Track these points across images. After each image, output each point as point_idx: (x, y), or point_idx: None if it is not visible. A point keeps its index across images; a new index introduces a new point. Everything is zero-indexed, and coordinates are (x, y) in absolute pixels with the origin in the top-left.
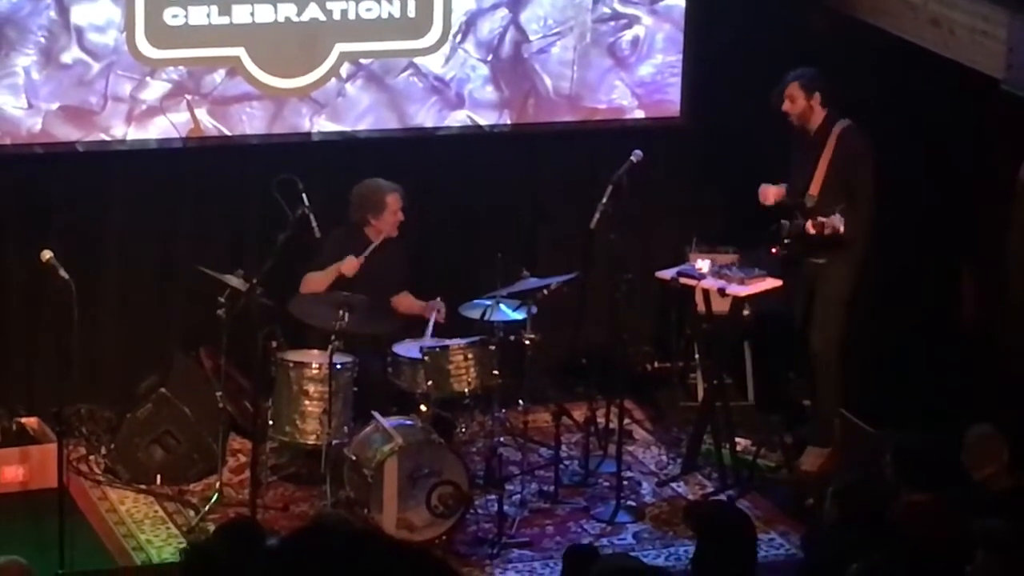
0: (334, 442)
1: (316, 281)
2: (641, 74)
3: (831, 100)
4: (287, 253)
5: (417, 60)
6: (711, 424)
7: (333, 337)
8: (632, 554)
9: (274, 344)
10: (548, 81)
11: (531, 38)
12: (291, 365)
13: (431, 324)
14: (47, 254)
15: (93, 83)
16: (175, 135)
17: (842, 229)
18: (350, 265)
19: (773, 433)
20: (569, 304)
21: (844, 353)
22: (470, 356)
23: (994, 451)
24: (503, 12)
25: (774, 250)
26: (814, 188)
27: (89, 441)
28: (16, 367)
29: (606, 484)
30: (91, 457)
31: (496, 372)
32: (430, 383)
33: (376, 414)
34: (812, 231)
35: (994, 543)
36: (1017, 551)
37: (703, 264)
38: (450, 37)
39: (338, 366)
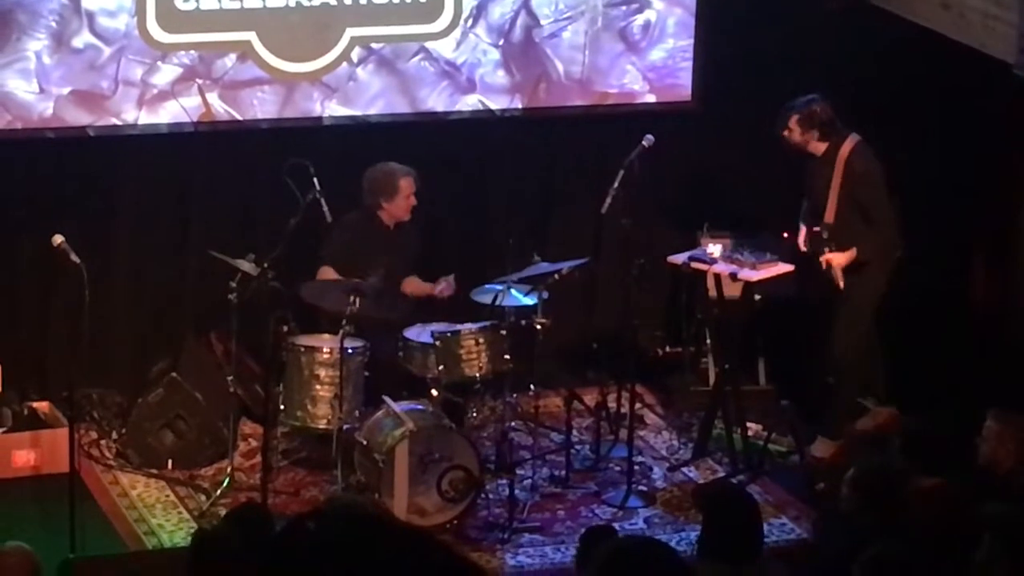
0: (345, 427)
1: (330, 276)
2: (652, 58)
3: (831, 133)
4: (298, 238)
5: (428, 44)
6: (722, 409)
7: (344, 322)
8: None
9: (285, 329)
10: (559, 65)
11: (542, 22)
12: (302, 350)
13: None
14: (58, 238)
15: (104, 67)
16: (186, 119)
17: (841, 284)
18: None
19: (784, 418)
20: (580, 289)
21: (866, 355)
22: (481, 341)
23: (1012, 443)
24: None
25: (785, 234)
26: (828, 215)
27: (100, 426)
28: (27, 352)
29: (617, 469)
30: (102, 442)
31: (507, 357)
32: (441, 368)
33: (387, 399)
34: (840, 266)
35: (1002, 527)
36: None
37: (715, 249)
38: (461, 22)
39: (349, 351)
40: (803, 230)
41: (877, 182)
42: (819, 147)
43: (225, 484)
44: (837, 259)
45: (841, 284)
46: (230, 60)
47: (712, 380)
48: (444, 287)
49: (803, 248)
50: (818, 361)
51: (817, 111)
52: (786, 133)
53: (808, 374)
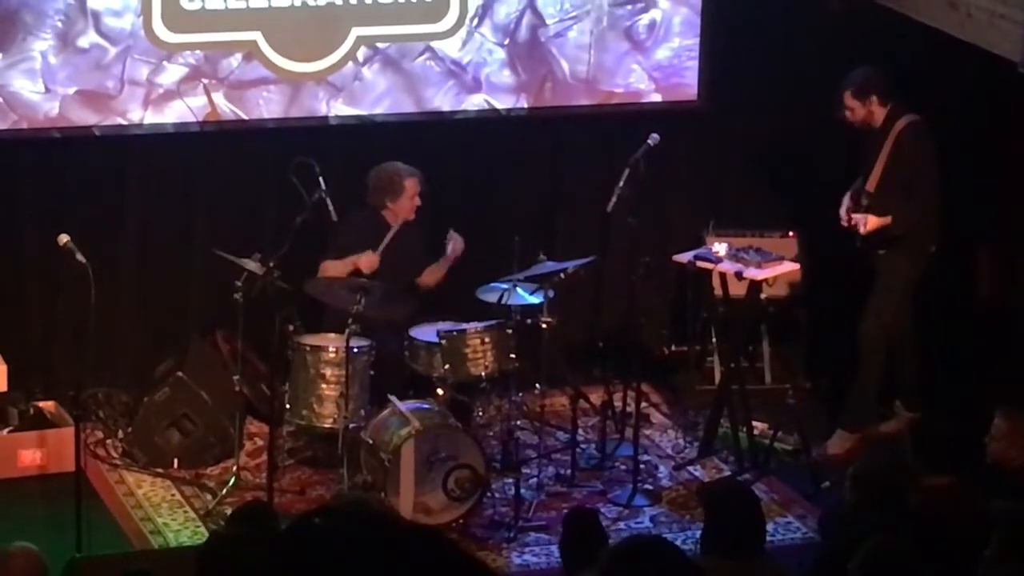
0: (351, 426)
1: (333, 269)
2: (658, 58)
3: (889, 96)
4: (304, 237)
5: (434, 44)
6: (728, 407)
7: (350, 321)
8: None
9: (291, 328)
10: (565, 65)
11: (548, 22)
12: (308, 349)
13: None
14: (64, 238)
15: (110, 67)
16: (192, 119)
17: (861, 230)
18: (368, 261)
19: (791, 416)
20: (586, 288)
21: (897, 354)
22: (487, 340)
23: (1023, 444)
24: None
25: (791, 233)
26: (871, 185)
27: (106, 425)
28: (33, 351)
29: (623, 467)
30: (108, 441)
31: (513, 356)
32: (447, 367)
33: (393, 398)
34: (867, 229)
35: (1011, 524)
36: None
37: (720, 247)
38: (467, 21)
39: (355, 350)
40: (846, 200)
41: (926, 160)
42: (881, 114)
43: (231, 483)
44: (870, 221)
45: (862, 230)
46: (236, 60)
47: (718, 379)
48: (454, 245)
49: (843, 218)
50: (826, 359)
51: (865, 77)
52: (848, 114)
53: (817, 372)
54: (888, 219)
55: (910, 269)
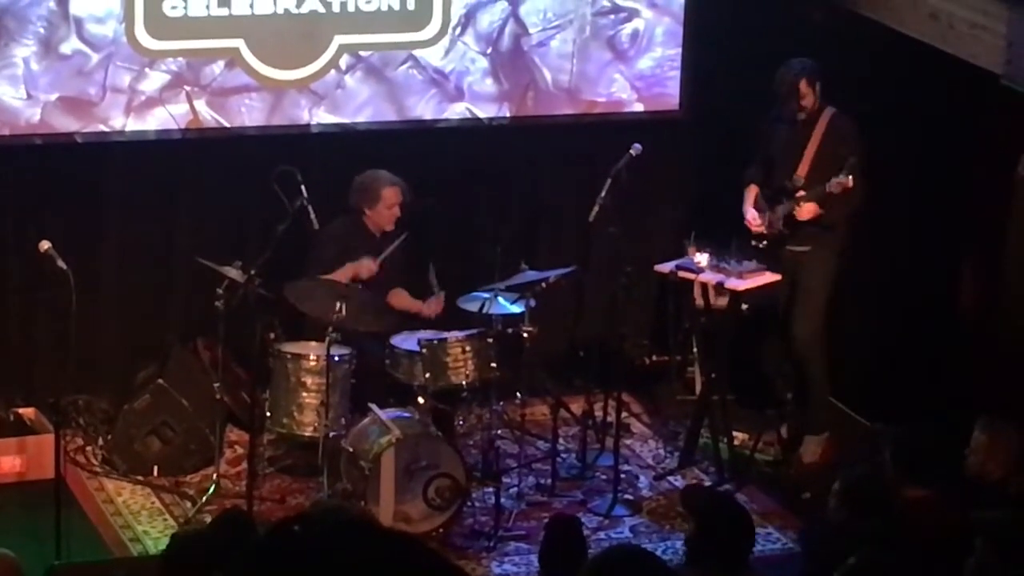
0: (331, 434)
1: (335, 277)
2: (640, 67)
3: (826, 87)
4: (285, 245)
5: (416, 52)
6: (709, 418)
7: (331, 329)
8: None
9: (272, 336)
10: (547, 74)
11: (530, 31)
12: (289, 357)
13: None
14: (45, 244)
15: (92, 74)
16: (174, 126)
17: (851, 184)
18: (367, 267)
19: (769, 427)
20: (567, 297)
21: (828, 340)
22: (468, 349)
23: (1003, 454)
24: (502, 5)
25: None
26: (802, 170)
27: (86, 432)
28: (14, 357)
29: (603, 477)
30: (88, 448)
31: (494, 365)
32: (428, 375)
33: (373, 406)
34: (805, 216)
35: (994, 533)
36: (1016, 540)
37: (701, 258)
38: (449, 30)
39: (336, 358)
40: (753, 190)
41: (861, 146)
42: (817, 102)
43: (211, 491)
44: (805, 212)
45: (851, 184)
46: (218, 67)
47: (698, 389)
48: (433, 306)
49: (756, 221)
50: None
51: (813, 64)
52: (801, 102)
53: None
54: (815, 207)
55: (834, 268)
